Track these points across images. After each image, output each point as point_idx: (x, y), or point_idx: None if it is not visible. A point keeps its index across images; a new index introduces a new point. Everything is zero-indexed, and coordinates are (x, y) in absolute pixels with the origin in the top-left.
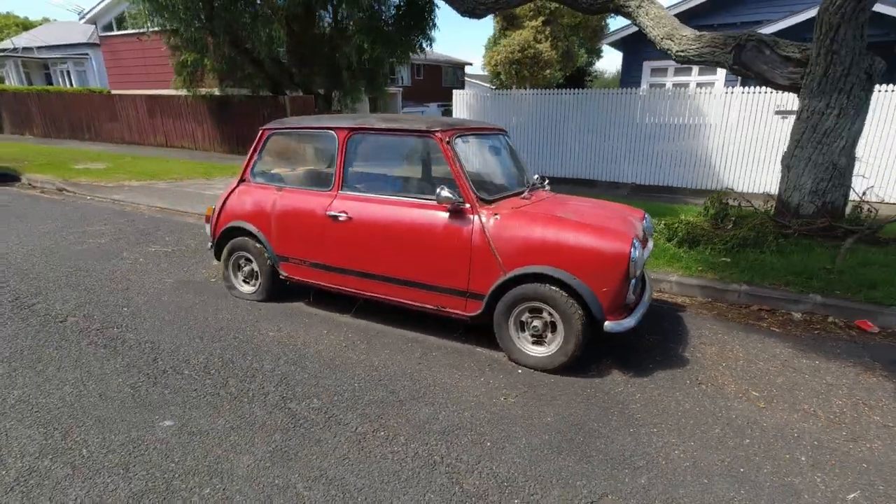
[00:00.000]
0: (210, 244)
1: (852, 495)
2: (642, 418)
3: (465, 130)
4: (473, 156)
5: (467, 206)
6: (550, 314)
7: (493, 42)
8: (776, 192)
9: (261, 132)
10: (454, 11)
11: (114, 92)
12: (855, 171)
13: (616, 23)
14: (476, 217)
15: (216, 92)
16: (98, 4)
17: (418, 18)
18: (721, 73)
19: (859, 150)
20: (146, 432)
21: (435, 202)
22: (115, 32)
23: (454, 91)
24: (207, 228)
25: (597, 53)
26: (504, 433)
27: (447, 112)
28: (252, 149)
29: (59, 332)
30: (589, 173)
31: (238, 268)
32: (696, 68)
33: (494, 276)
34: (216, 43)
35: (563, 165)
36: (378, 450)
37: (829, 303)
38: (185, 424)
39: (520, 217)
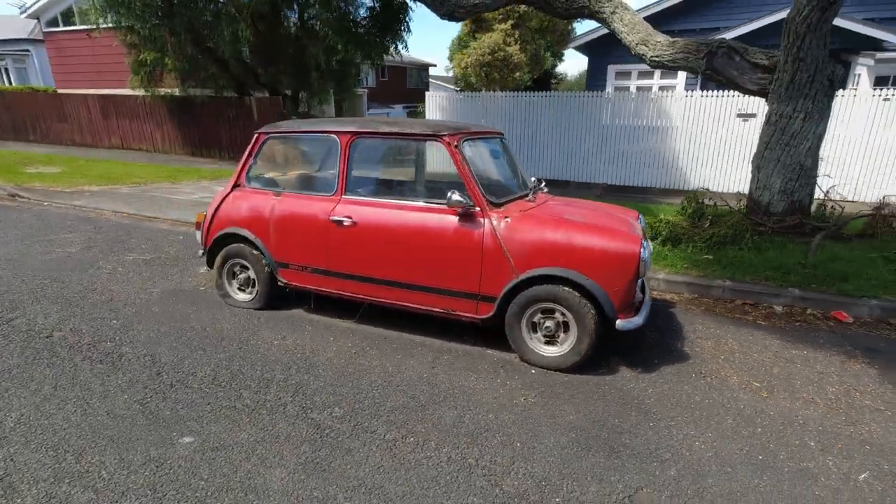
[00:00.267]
0: (202, 252)
1: (863, 476)
2: (659, 412)
3: (470, 134)
4: (477, 159)
5: (477, 209)
6: (563, 314)
7: (458, 44)
8: (743, 191)
9: (256, 136)
10: (417, 13)
11: (60, 91)
12: (821, 172)
13: (582, 27)
14: (486, 220)
15: (177, 92)
16: None
17: (392, 20)
18: (681, 77)
19: (824, 152)
20: (166, 450)
21: (443, 206)
22: (62, 28)
23: (426, 93)
24: (198, 235)
25: (558, 57)
26: (531, 433)
27: (413, 114)
28: (246, 153)
29: (46, 348)
30: (561, 174)
31: (233, 276)
32: (657, 73)
33: (506, 279)
34: (177, 41)
35: (535, 166)
36: (411, 456)
37: (807, 296)
38: (205, 440)
39: (530, 220)
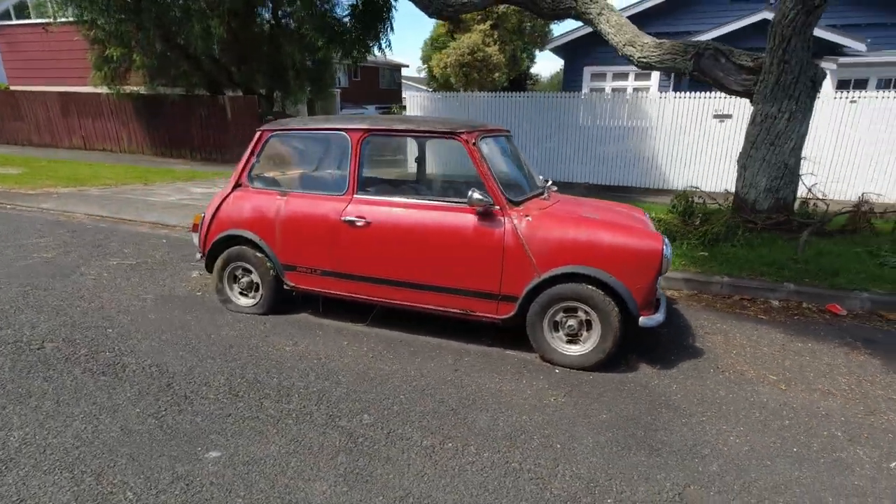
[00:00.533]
0: (200, 255)
1: (893, 464)
2: (687, 409)
3: (485, 132)
4: (492, 157)
5: (497, 207)
6: (586, 313)
7: (431, 45)
8: (721, 189)
9: (259, 134)
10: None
11: (14, 88)
12: (806, 170)
13: (559, 29)
14: (506, 219)
15: (144, 90)
16: None
17: (375, 18)
18: (655, 78)
19: (808, 151)
20: (193, 466)
21: (460, 205)
22: (14, 21)
23: (407, 93)
24: (195, 238)
25: (531, 59)
26: (568, 434)
27: (384, 114)
28: (248, 152)
29: (40, 360)
30: (542, 173)
31: (234, 280)
32: (632, 74)
33: (528, 278)
34: (145, 37)
35: None
36: (453, 462)
37: (802, 290)
38: (233, 454)
39: (551, 218)
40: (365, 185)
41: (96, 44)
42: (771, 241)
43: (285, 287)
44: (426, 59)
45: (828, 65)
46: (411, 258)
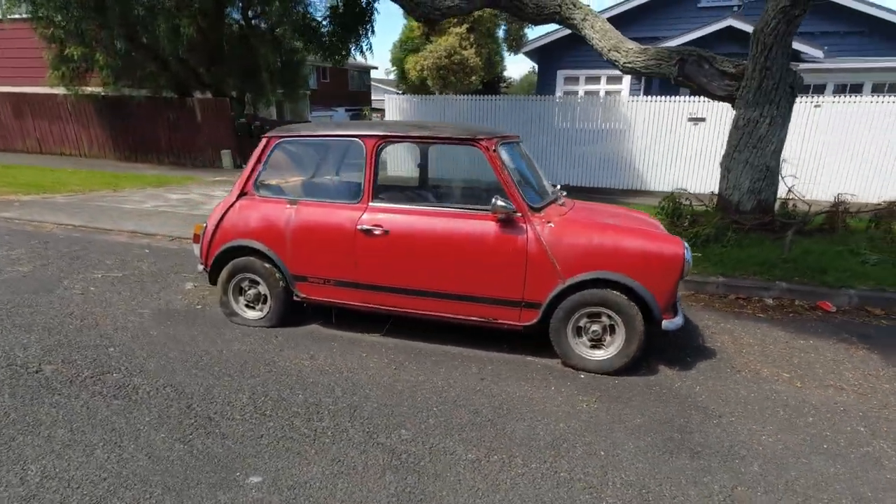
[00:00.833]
0: (202, 267)
1: None
2: (716, 409)
3: (502, 138)
4: (508, 164)
5: (519, 214)
6: (610, 318)
7: (400, 47)
8: (694, 190)
9: (266, 140)
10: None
11: None
12: (787, 172)
13: (533, 33)
14: (528, 226)
15: (104, 91)
16: None
17: (357, 20)
18: (626, 82)
19: (787, 154)
20: (236, 494)
21: (481, 212)
22: None
23: (386, 96)
24: (195, 249)
25: (501, 61)
26: (608, 440)
27: (355, 117)
28: (254, 159)
29: (41, 385)
30: None
31: (240, 292)
32: (604, 78)
33: (552, 284)
34: (109, 36)
35: None
36: (503, 475)
37: (793, 288)
38: (276, 478)
39: (574, 224)
40: (387, 191)
41: (54, 42)
42: (759, 241)
43: (295, 298)
44: (396, 61)
45: None
46: (432, 267)
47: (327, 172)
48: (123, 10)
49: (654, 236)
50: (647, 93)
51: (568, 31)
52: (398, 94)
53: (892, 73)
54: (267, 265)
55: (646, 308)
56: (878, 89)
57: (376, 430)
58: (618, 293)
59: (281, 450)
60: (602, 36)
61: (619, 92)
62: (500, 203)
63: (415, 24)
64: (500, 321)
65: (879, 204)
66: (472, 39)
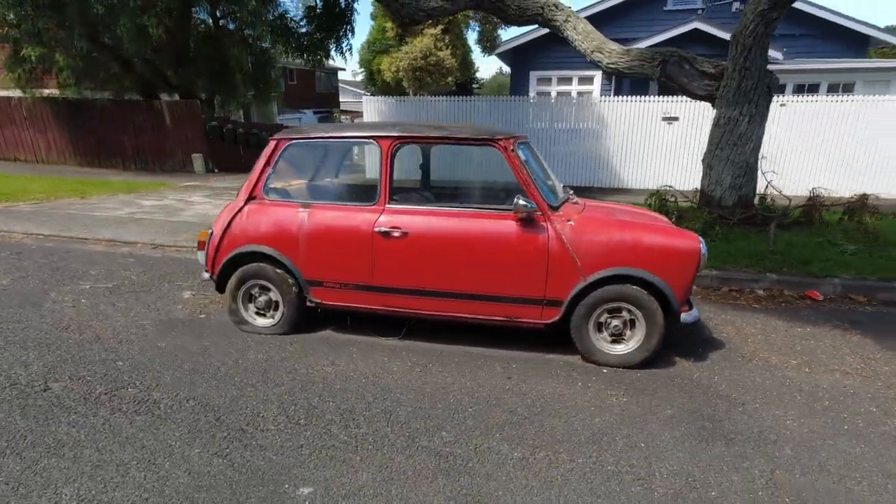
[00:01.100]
0: (208, 275)
1: None
2: (738, 398)
3: (518, 138)
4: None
5: (539, 213)
6: (630, 312)
7: (368, 48)
8: (671, 187)
9: (274, 143)
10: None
11: None
12: (768, 168)
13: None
14: (549, 224)
15: (65, 94)
16: None
17: (337, 21)
18: (597, 82)
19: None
20: None
21: (500, 211)
22: None
23: (364, 98)
24: (200, 256)
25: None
26: (645, 432)
27: (324, 119)
28: (263, 162)
29: (54, 404)
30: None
31: (250, 299)
32: (575, 79)
33: (574, 282)
34: (69, 36)
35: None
36: (553, 472)
37: (782, 279)
38: (327, 488)
39: (594, 222)
40: (404, 193)
41: (7, 42)
42: (744, 235)
43: (308, 304)
44: (364, 62)
45: None
46: (452, 268)
47: (340, 174)
48: (82, 8)
49: (670, 232)
50: (617, 93)
51: (541, 33)
52: (367, 95)
53: (845, 73)
54: (279, 271)
55: (664, 302)
56: (833, 89)
57: (417, 434)
58: (638, 288)
59: (325, 458)
60: (585, 37)
61: (590, 92)
62: (521, 202)
63: (387, 24)
64: (521, 320)
65: (851, 197)
66: (447, 40)
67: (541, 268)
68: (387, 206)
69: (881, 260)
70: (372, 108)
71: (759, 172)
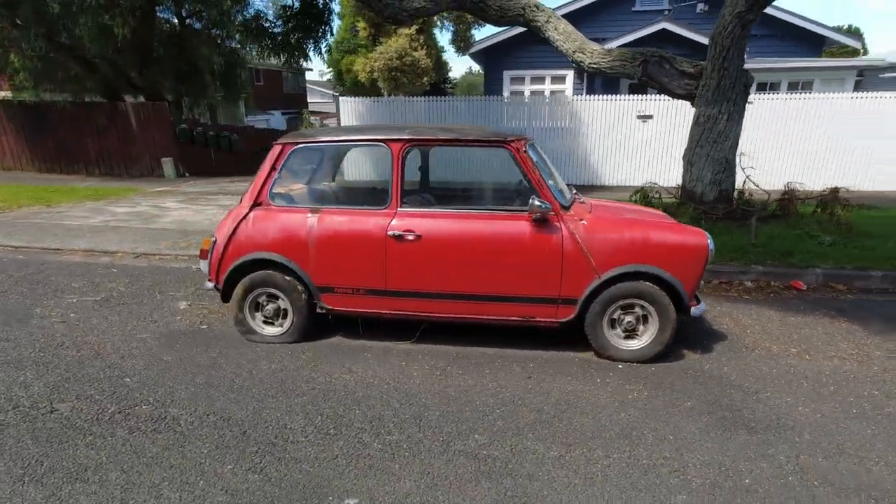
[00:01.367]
0: (213, 284)
1: None
2: (751, 387)
3: (527, 139)
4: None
5: (553, 213)
6: (643, 308)
7: (336, 48)
8: (652, 184)
9: (280, 148)
10: None
11: None
12: (745, 164)
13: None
14: (562, 224)
15: (20, 96)
16: None
17: (316, 20)
18: (569, 81)
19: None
20: None
21: (513, 212)
22: None
23: (341, 98)
24: (203, 265)
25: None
26: (671, 425)
27: (293, 121)
28: (268, 167)
29: (65, 426)
30: None
31: (257, 307)
32: (548, 78)
33: (588, 280)
34: (25, 36)
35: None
36: (593, 469)
37: (768, 270)
38: (372, 498)
39: (605, 221)
40: (416, 195)
41: None
42: (727, 229)
43: (319, 311)
44: (333, 62)
45: None
46: (467, 269)
47: (352, 177)
48: (37, 6)
49: (678, 228)
50: (589, 92)
51: (514, 33)
52: (339, 95)
53: (804, 72)
54: (288, 278)
55: (675, 297)
56: (792, 87)
57: (450, 438)
58: (650, 284)
59: (363, 468)
60: (566, 38)
61: (563, 91)
62: (537, 203)
63: (360, 24)
64: (537, 319)
65: (823, 191)
66: (421, 41)
67: (556, 267)
68: (399, 209)
69: (855, 250)
70: (349, 110)
71: (739, 168)
